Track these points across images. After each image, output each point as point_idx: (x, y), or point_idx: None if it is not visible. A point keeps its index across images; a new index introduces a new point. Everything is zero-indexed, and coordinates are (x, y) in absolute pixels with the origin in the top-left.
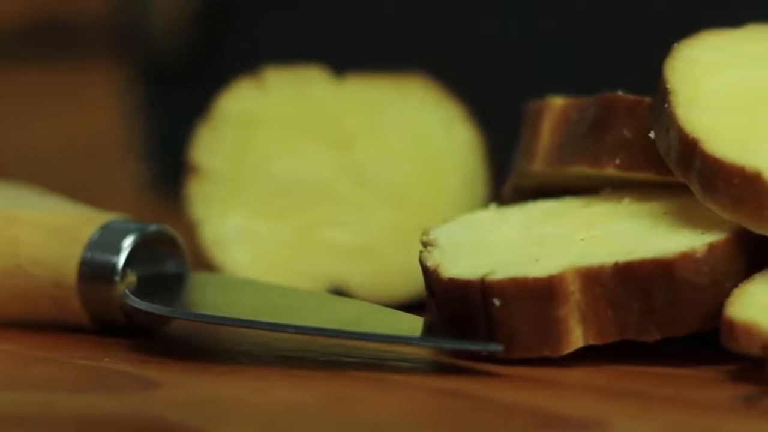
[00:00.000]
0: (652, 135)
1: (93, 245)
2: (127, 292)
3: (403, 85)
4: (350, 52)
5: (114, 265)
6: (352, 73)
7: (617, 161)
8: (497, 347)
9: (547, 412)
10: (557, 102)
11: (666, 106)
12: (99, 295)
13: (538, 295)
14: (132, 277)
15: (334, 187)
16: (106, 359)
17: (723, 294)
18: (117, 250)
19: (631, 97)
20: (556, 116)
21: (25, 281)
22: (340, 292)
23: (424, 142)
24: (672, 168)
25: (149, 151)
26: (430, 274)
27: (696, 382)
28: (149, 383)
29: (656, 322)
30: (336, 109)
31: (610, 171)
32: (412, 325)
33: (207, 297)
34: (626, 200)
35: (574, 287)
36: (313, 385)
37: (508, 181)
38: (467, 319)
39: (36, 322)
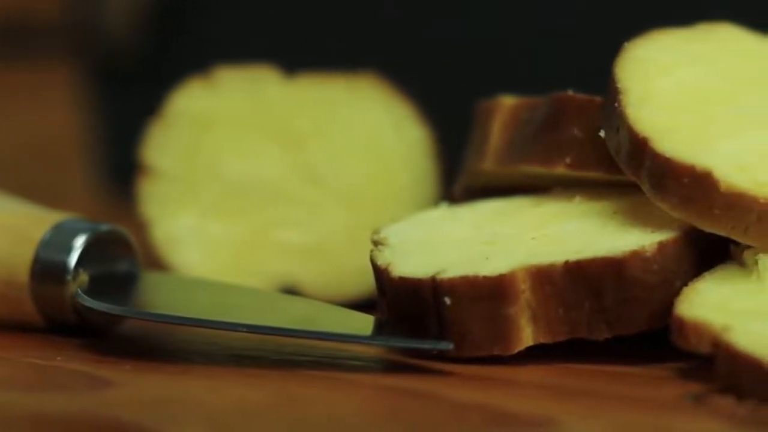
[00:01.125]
0: (602, 134)
1: (45, 245)
2: (80, 291)
3: (354, 84)
4: (301, 51)
5: (66, 265)
6: (303, 73)
7: (568, 160)
8: (448, 346)
9: (497, 411)
10: (508, 101)
11: (616, 105)
12: (51, 294)
13: (489, 293)
14: (84, 277)
15: (285, 186)
16: (59, 358)
17: (673, 292)
18: (69, 250)
19: (581, 96)
20: (506, 115)
21: None
22: (291, 291)
23: (375, 141)
24: (622, 167)
25: (102, 150)
26: (380, 273)
27: (646, 380)
28: (102, 382)
29: (606, 320)
30: (287, 108)
31: (560, 170)
32: (363, 323)
33: (159, 296)
34: (577, 199)
35: (524, 286)
36: (266, 383)
37: (458, 181)
38: (418, 318)
39: None
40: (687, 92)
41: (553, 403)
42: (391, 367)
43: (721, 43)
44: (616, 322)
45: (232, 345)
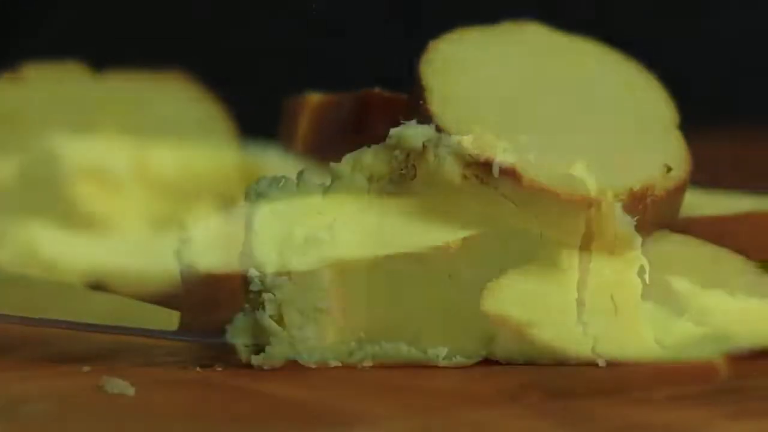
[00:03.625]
0: None
1: None
2: None
3: (162, 81)
4: (110, 47)
5: None
6: (111, 69)
7: None
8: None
9: (308, 405)
10: (314, 99)
11: (421, 102)
12: None
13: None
14: None
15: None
16: None
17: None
18: None
19: (387, 93)
20: (313, 113)
21: None
22: (98, 286)
23: (181, 138)
24: None
25: None
26: (186, 269)
27: (461, 376)
28: None
29: None
30: (94, 104)
31: None
32: (169, 319)
33: None
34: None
35: (331, 282)
36: (74, 377)
37: (264, 178)
38: (224, 313)
39: None
40: (490, 90)
41: (366, 397)
42: (198, 362)
43: (526, 42)
44: None
45: (42, 340)
